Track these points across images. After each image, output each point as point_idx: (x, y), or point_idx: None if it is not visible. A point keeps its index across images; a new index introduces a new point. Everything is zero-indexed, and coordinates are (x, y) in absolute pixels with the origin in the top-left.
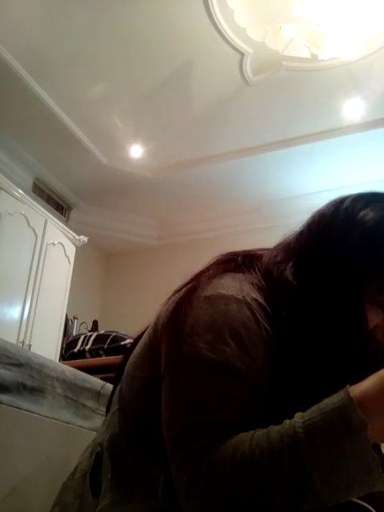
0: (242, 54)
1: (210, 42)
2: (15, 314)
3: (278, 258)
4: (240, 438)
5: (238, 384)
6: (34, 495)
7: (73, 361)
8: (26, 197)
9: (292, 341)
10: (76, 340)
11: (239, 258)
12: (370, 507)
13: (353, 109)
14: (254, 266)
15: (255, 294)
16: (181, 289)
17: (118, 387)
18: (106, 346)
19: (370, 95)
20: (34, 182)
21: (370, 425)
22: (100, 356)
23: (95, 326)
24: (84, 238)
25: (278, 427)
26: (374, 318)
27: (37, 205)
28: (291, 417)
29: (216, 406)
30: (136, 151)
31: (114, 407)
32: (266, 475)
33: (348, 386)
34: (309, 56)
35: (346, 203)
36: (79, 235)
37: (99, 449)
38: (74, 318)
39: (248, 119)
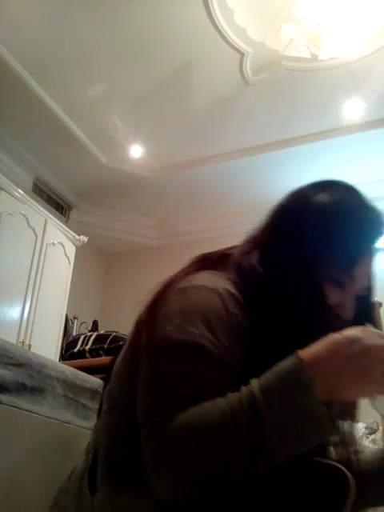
0: (242, 54)
1: (210, 42)
2: (15, 314)
3: (246, 250)
4: (202, 405)
5: (205, 361)
6: (34, 495)
7: (73, 361)
8: (26, 197)
9: (263, 326)
10: (76, 340)
11: (213, 257)
12: (343, 468)
13: (353, 109)
14: (226, 263)
15: (228, 286)
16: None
17: (107, 388)
18: (105, 346)
19: (370, 95)
20: (33, 182)
21: (319, 382)
22: (100, 356)
23: (95, 325)
24: (84, 238)
25: (236, 393)
26: (333, 296)
27: (37, 205)
28: None
29: (181, 382)
30: (136, 151)
31: (105, 407)
32: (227, 437)
33: (298, 350)
34: (309, 56)
35: (301, 191)
36: (79, 235)
37: (94, 450)
38: (74, 317)
39: (248, 119)
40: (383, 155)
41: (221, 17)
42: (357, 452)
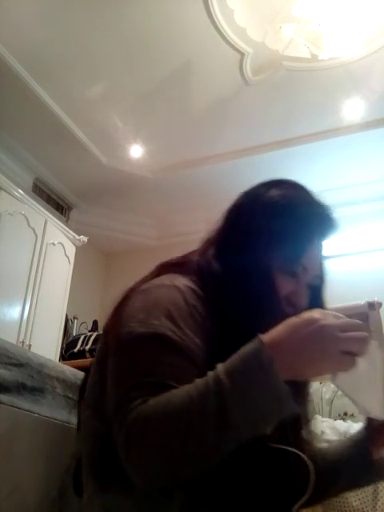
0: (242, 54)
1: (209, 41)
2: (15, 314)
3: (205, 249)
4: (171, 392)
5: (168, 350)
6: (34, 495)
7: (73, 361)
8: (26, 197)
9: (222, 317)
10: (76, 340)
11: (174, 261)
12: (300, 452)
13: (352, 109)
14: (186, 264)
15: (187, 282)
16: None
17: (85, 396)
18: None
19: (370, 95)
20: (33, 182)
21: (279, 361)
22: None
23: (95, 326)
24: (84, 238)
25: (204, 378)
26: (286, 286)
27: (37, 205)
28: None
29: (148, 371)
30: (136, 151)
31: (84, 415)
32: (194, 418)
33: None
34: (309, 56)
35: (251, 191)
36: (79, 235)
37: (79, 456)
38: (74, 317)
39: (248, 119)
40: (383, 155)
41: (221, 17)
42: (312, 436)
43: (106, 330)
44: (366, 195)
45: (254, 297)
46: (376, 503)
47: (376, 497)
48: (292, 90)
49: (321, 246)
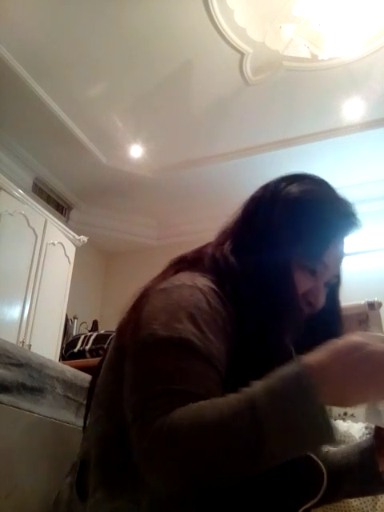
0: (242, 54)
1: (209, 41)
2: (15, 314)
3: (220, 242)
4: (200, 403)
5: (193, 356)
6: (34, 495)
7: (73, 361)
8: (26, 197)
9: (240, 316)
10: (76, 340)
11: (189, 257)
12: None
13: (353, 109)
14: (202, 261)
15: (206, 282)
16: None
17: (94, 398)
18: (105, 346)
19: (370, 95)
20: (34, 182)
21: (321, 388)
22: (100, 356)
23: (95, 325)
24: (84, 238)
25: (236, 394)
26: (304, 284)
27: (37, 205)
28: (246, 384)
29: (172, 378)
30: (136, 151)
31: (94, 416)
32: (225, 435)
33: (301, 356)
34: (309, 56)
35: (271, 184)
36: (79, 235)
37: (84, 458)
38: (74, 317)
39: (248, 119)
40: (383, 155)
41: (221, 17)
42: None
43: (123, 329)
44: (366, 195)
45: (274, 297)
46: (376, 503)
47: (376, 496)
48: (292, 90)
49: (343, 244)
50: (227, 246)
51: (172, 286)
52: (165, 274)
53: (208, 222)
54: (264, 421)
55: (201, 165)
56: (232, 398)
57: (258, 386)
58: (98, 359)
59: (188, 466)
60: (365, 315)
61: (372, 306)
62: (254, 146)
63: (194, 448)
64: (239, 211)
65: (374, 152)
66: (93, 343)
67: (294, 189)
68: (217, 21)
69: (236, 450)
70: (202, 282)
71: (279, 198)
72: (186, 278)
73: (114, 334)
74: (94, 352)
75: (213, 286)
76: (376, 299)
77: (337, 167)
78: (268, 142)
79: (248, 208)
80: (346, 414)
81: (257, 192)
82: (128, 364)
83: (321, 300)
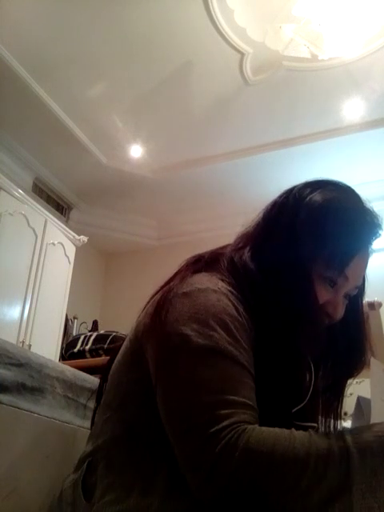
0: (242, 54)
1: (209, 41)
2: (15, 314)
3: (239, 246)
4: (276, 431)
5: (232, 365)
6: (34, 495)
7: (73, 361)
8: (26, 197)
9: (259, 323)
10: (76, 340)
11: (206, 257)
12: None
13: (353, 109)
14: (219, 263)
15: (228, 287)
16: (157, 293)
17: (104, 398)
18: (106, 346)
19: (370, 95)
20: (34, 182)
21: None
22: (100, 356)
23: (95, 325)
24: (84, 238)
25: (321, 435)
26: (324, 294)
27: (37, 205)
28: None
29: (223, 388)
30: (136, 151)
31: (104, 417)
32: (307, 476)
33: None
34: (309, 56)
35: (295, 190)
36: (79, 235)
37: (90, 458)
38: (74, 317)
39: (248, 119)
40: (383, 155)
41: (221, 17)
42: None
43: (146, 331)
44: (365, 195)
45: (294, 308)
46: None
47: None
48: (292, 90)
49: (367, 255)
50: (247, 251)
51: (196, 289)
52: (182, 275)
53: (208, 222)
54: (353, 475)
55: (201, 165)
56: (318, 438)
57: (350, 436)
58: (99, 359)
59: (255, 491)
60: (365, 315)
61: (372, 305)
62: (254, 145)
63: (267, 479)
64: (260, 215)
65: (374, 152)
66: (93, 343)
67: (318, 196)
68: (217, 21)
69: (311, 494)
70: (224, 286)
71: (303, 205)
72: (208, 281)
73: (128, 334)
74: (93, 352)
75: (234, 291)
76: (376, 299)
77: (337, 167)
78: (268, 142)
79: (270, 213)
80: (346, 413)
81: (279, 197)
82: (164, 373)
83: (340, 312)
